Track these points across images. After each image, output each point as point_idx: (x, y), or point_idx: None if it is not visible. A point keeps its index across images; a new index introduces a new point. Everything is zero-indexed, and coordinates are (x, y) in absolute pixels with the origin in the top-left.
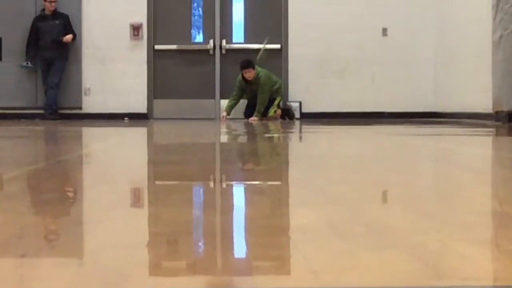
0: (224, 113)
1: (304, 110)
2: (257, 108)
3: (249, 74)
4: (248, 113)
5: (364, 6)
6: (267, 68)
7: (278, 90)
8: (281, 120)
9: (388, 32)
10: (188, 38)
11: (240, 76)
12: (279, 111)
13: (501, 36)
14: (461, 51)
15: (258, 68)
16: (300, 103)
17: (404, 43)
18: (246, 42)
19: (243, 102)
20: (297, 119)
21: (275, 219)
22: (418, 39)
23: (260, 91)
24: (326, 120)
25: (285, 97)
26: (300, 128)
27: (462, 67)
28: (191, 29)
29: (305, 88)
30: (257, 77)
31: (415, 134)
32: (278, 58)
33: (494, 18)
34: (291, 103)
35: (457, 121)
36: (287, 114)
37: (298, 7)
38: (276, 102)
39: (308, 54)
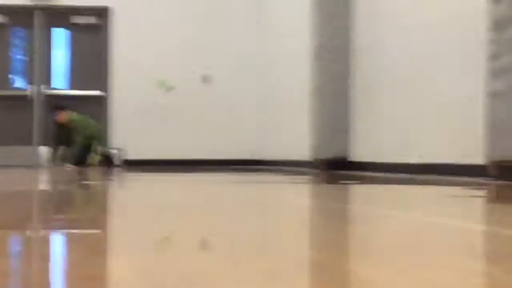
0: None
1: (129, 157)
2: (71, 155)
3: (62, 117)
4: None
5: (187, 53)
6: (90, 115)
7: (95, 135)
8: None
9: (212, 78)
10: (7, 83)
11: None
12: (98, 157)
13: (319, 86)
14: (280, 99)
15: (72, 113)
16: (121, 150)
17: (226, 89)
18: (69, 88)
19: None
20: (116, 165)
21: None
22: (241, 85)
23: (75, 136)
24: (147, 167)
25: (106, 143)
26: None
27: (279, 115)
28: (10, 74)
29: (127, 135)
30: (71, 121)
31: (235, 181)
32: (100, 105)
33: (313, 66)
34: (112, 150)
35: (279, 168)
36: (108, 161)
37: (122, 55)
38: (93, 148)
39: (131, 101)
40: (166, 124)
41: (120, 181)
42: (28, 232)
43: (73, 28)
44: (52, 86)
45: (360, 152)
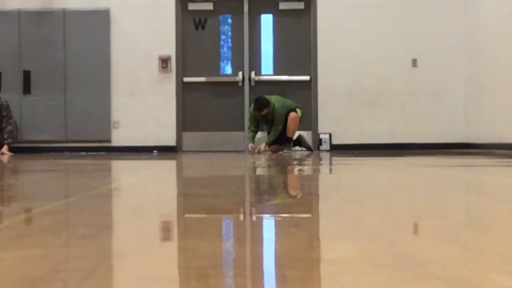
0: (251, 145)
1: (334, 141)
2: (268, 138)
3: (265, 112)
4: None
5: (393, 37)
6: (296, 100)
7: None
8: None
9: (418, 63)
10: (217, 70)
11: (252, 108)
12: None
13: None
14: (492, 81)
15: (272, 99)
16: (330, 134)
17: (434, 73)
18: (275, 74)
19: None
20: (327, 151)
21: (311, 252)
22: (448, 69)
23: (275, 122)
24: (356, 151)
25: (315, 128)
26: (330, 160)
27: (493, 97)
28: (219, 61)
29: (334, 120)
30: (272, 110)
31: (447, 165)
32: (307, 90)
33: None
34: (302, 133)
35: (489, 151)
36: (299, 144)
37: (327, 39)
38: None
39: (337, 86)
40: (374, 108)
41: (329, 166)
42: (242, 216)
43: (280, 13)
44: (260, 71)
45: None
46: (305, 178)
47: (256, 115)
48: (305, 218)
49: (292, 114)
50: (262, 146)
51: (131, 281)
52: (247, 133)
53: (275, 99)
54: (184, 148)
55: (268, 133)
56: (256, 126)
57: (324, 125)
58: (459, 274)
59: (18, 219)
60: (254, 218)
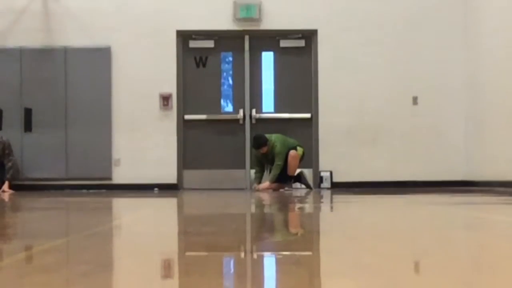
0: (255, 185)
1: (335, 179)
2: (270, 175)
3: (264, 150)
4: (280, 180)
5: (394, 75)
6: (297, 137)
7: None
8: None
9: (418, 100)
10: (218, 107)
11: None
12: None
13: None
14: (492, 119)
15: (271, 138)
16: (331, 172)
17: (434, 111)
18: (276, 111)
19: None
20: (327, 188)
21: None
22: (448, 107)
23: (275, 159)
24: (357, 189)
25: (316, 166)
26: (331, 198)
27: (493, 135)
28: (220, 98)
29: (335, 158)
30: (272, 148)
31: (449, 203)
32: (308, 128)
33: None
34: (304, 170)
35: (490, 189)
36: (299, 180)
37: (328, 76)
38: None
39: (338, 123)
40: (374, 145)
41: (330, 203)
42: (241, 254)
43: (281, 51)
44: (261, 109)
45: None
46: (305, 215)
47: (258, 155)
48: (306, 255)
49: (292, 152)
50: (264, 184)
51: None
52: (254, 173)
53: (275, 138)
54: (185, 186)
55: (270, 171)
56: (261, 166)
57: (325, 163)
58: None
59: (19, 257)
60: (255, 256)
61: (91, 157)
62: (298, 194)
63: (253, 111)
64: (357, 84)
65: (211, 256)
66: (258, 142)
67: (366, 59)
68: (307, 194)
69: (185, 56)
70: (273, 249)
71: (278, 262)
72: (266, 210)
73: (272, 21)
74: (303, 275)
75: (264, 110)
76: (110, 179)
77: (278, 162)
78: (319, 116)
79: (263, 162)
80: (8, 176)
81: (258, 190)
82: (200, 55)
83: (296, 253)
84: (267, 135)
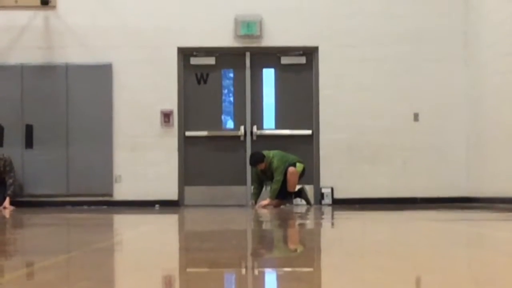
0: (252, 202)
1: (336, 196)
2: (270, 191)
3: (261, 166)
4: (281, 196)
5: (395, 91)
6: (298, 154)
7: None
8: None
9: (420, 117)
10: (219, 124)
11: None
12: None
13: None
14: (493, 135)
15: (269, 154)
16: (332, 188)
17: (435, 128)
18: (277, 128)
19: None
20: (329, 205)
21: None
22: (449, 123)
23: (274, 175)
24: (358, 205)
25: (317, 182)
26: (332, 214)
27: (494, 151)
28: (221, 115)
29: (336, 174)
30: (270, 164)
31: (449, 219)
32: (309, 144)
33: None
34: (305, 186)
35: (491, 206)
36: (299, 195)
37: (329, 93)
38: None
39: (339, 140)
40: (375, 162)
41: (331, 220)
42: (243, 270)
43: (282, 68)
44: (262, 126)
45: None
46: (306, 232)
47: (257, 172)
48: (307, 272)
49: (290, 169)
50: (265, 201)
51: None
52: (252, 189)
53: (273, 154)
54: (186, 202)
55: (270, 187)
56: (259, 183)
57: (326, 179)
58: None
59: (20, 274)
60: (256, 272)
61: (92, 173)
62: (299, 210)
63: (254, 127)
64: (358, 100)
65: (212, 273)
66: (255, 159)
67: (367, 76)
68: (307, 210)
69: (186, 73)
70: (274, 265)
71: (279, 278)
72: (267, 226)
73: (273, 38)
74: None
75: (265, 126)
76: (111, 195)
77: (277, 177)
78: (320, 133)
79: (262, 179)
80: (9, 192)
81: (259, 207)
82: (201, 72)
83: (297, 269)
84: (265, 152)
